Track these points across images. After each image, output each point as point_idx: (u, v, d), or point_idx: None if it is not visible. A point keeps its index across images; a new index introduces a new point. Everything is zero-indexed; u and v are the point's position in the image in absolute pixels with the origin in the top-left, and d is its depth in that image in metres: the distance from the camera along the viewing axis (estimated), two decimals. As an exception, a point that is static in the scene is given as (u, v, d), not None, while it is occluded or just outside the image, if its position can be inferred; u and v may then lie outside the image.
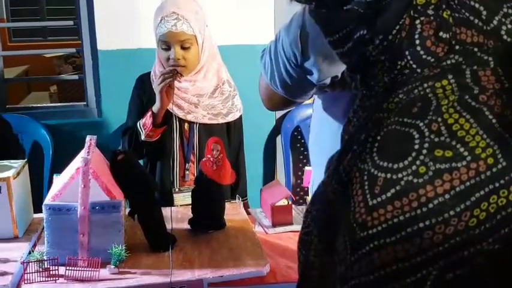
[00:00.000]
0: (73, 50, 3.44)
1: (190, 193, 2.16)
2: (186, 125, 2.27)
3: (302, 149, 3.15)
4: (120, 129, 2.93)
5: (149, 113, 2.17)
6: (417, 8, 0.85)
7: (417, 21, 0.85)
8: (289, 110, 3.11)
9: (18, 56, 4.87)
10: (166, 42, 2.15)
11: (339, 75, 1.15)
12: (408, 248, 0.79)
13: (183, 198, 2.20)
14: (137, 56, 2.92)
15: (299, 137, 3.13)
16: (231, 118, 2.32)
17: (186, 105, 2.22)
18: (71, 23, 3.18)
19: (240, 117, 2.38)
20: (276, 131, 3.18)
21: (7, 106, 3.06)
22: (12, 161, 1.87)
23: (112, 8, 2.90)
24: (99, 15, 2.92)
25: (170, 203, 2.20)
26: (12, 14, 6.49)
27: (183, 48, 2.15)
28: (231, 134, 2.35)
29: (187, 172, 2.27)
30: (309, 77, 1.17)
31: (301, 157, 3.16)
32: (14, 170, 1.77)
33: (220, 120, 2.29)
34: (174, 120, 2.25)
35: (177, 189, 2.24)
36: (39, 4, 6.55)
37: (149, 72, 2.31)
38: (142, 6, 2.90)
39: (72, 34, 5.17)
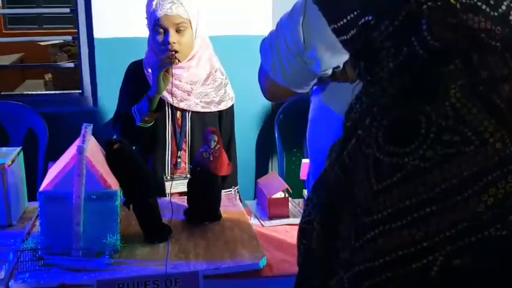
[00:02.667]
0: (69, 37, 3.41)
1: (181, 181, 2.20)
2: (179, 113, 2.28)
3: (297, 141, 3.14)
4: (116, 118, 2.92)
5: (145, 98, 2.17)
6: None
7: (424, 7, 0.84)
8: (284, 101, 3.09)
9: (13, 44, 4.83)
10: (161, 26, 2.15)
11: (341, 65, 1.14)
12: (414, 233, 0.77)
13: (174, 186, 2.20)
14: (133, 45, 2.89)
15: (294, 129, 3.12)
16: (223, 106, 2.32)
17: (179, 92, 2.22)
18: (67, 10, 3.15)
19: (232, 106, 2.38)
20: (271, 122, 3.16)
21: (1, 93, 3.03)
22: (7, 148, 1.85)
23: (109, -4, 2.88)
24: (95, 3, 2.89)
25: (162, 190, 2.21)
26: (8, 1, 6.45)
27: (178, 32, 2.16)
28: (222, 122, 2.36)
29: (179, 160, 2.27)
30: (310, 67, 1.15)
31: (296, 150, 3.15)
32: (9, 157, 1.75)
33: (213, 109, 2.29)
34: (167, 108, 2.25)
35: (168, 177, 2.25)
36: (35, -9, 6.51)
37: (141, 60, 2.32)
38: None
39: (67, 22, 5.14)
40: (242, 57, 2.88)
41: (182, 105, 2.24)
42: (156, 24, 2.16)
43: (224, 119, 2.35)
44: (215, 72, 2.30)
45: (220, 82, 2.31)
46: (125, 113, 2.25)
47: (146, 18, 2.23)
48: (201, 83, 2.26)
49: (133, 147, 2.33)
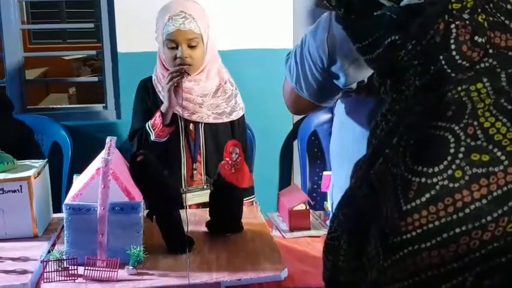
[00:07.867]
0: (93, 52, 3.46)
1: (198, 192, 2.24)
2: (192, 126, 2.31)
3: (319, 153, 3.14)
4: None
5: (158, 113, 2.20)
6: (452, 13, 0.84)
7: (452, 26, 0.84)
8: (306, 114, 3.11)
9: (37, 58, 4.91)
10: (174, 41, 2.19)
11: (365, 79, 1.15)
12: (444, 253, 0.77)
13: (192, 198, 2.23)
14: (156, 59, 2.93)
15: (316, 141, 3.13)
16: (234, 116, 2.34)
17: (190, 105, 2.25)
18: (91, 25, 3.20)
19: (243, 116, 2.40)
20: (292, 135, 3.18)
21: (27, 107, 3.09)
22: (32, 160, 1.89)
23: (132, 11, 2.92)
24: (119, 18, 2.94)
25: (180, 203, 2.23)
26: (32, 16, 6.56)
27: (190, 47, 2.19)
28: (235, 132, 2.38)
29: (195, 172, 2.30)
30: (335, 81, 1.16)
31: (318, 162, 3.15)
32: (35, 169, 1.79)
33: (225, 119, 2.31)
34: (180, 121, 2.28)
35: (185, 190, 2.27)
36: (59, 7, 6.60)
37: (150, 76, 2.35)
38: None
39: (91, 37, 5.21)
40: (264, 70, 2.90)
41: (194, 117, 2.27)
42: (168, 39, 2.18)
43: (236, 129, 2.38)
44: (225, 84, 2.33)
45: (230, 93, 2.33)
46: (140, 130, 2.28)
47: (156, 31, 2.26)
48: (212, 95, 2.28)
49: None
